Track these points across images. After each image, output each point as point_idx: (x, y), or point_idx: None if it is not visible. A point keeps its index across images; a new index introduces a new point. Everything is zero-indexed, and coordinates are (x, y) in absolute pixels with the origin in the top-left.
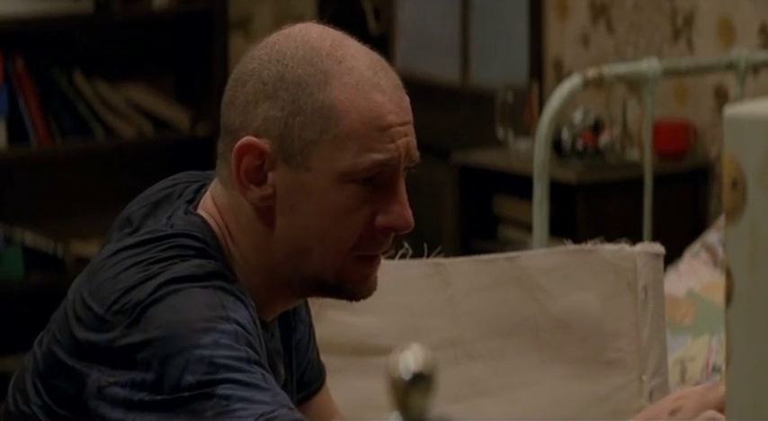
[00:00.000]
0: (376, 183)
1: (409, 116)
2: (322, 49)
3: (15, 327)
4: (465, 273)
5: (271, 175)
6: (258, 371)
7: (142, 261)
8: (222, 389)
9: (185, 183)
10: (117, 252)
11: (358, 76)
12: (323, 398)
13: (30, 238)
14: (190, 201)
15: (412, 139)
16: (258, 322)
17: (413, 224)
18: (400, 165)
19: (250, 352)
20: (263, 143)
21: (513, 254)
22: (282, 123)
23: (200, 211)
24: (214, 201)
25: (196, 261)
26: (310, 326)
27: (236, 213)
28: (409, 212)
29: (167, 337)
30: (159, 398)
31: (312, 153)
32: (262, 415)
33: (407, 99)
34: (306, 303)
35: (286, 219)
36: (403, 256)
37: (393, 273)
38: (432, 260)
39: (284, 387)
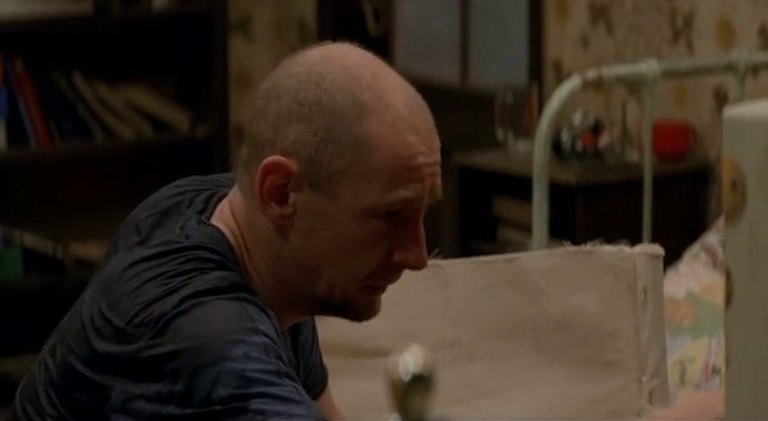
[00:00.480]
0: (397, 219)
1: (438, 157)
2: (362, 80)
3: (15, 329)
4: (464, 274)
5: (293, 196)
6: (289, 383)
7: (161, 274)
8: (256, 404)
9: (193, 190)
10: (133, 264)
11: (395, 114)
12: (325, 400)
13: (29, 240)
14: (201, 211)
15: (438, 179)
16: (280, 333)
17: (427, 264)
18: (424, 203)
19: (280, 364)
20: (292, 164)
21: (512, 255)
22: (314, 148)
23: (216, 222)
24: (232, 212)
25: (218, 273)
26: (314, 329)
27: (253, 226)
28: (425, 253)
29: (197, 349)
30: (189, 411)
31: (340, 183)
32: None
33: (438, 141)
34: None
35: (301, 240)
36: None
37: None
38: (430, 261)
39: None
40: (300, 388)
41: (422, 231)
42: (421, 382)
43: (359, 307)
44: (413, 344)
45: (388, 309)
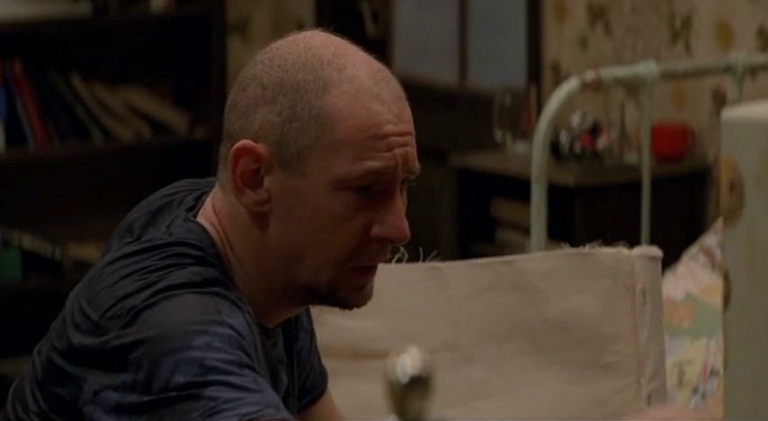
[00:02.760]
0: (372, 193)
1: (409, 127)
2: (324, 57)
3: (13, 330)
4: (462, 276)
5: (267, 180)
6: (250, 374)
7: (140, 269)
8: (211, 391)
9: (185, 190)
10: (115, 260)
11: (358, 84)
12: (325, 402)
13: (28, 241)
14: (190, 209)
15: (411, 150)
16: (256, 329)
17: (408, 236)
18: (397, 175)
19: (242, 356)
20: (260, 147)
21: (510, 257)
22: (280, 129)
23: (200, 219)
24: (214, 208)
25: (194, 268)
26: (312, 333)
27: (234, 219)
28: (405, 224)
29: (159, 338)
30: (147, 399)
31: (307, 159)
32: (246, 414)
33: (409, 111)
34: (307, 310)
35: (281, 225)
36: (399, 260)
37: (390, 276)
38: (429, 264)
39: (287, 395)
40: (262, 379)
41: (400, 204)
42: (419, 384)
43: (348, 291)
44: (411, 346)
45: (386, 310)
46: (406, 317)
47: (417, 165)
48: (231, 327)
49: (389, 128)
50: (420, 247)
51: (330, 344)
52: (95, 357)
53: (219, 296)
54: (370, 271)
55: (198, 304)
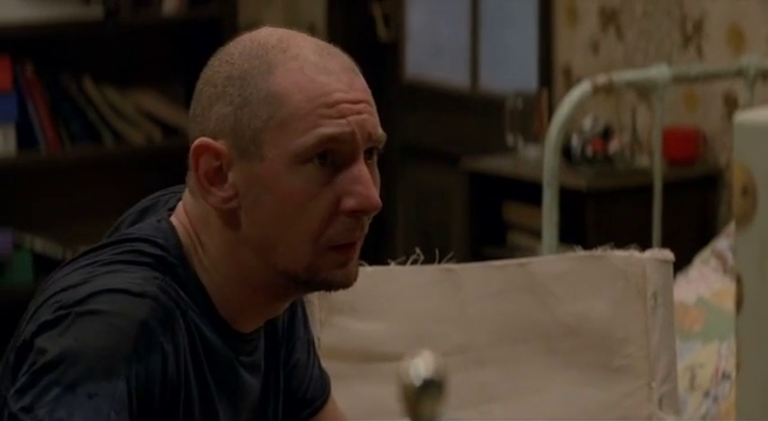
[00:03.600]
0: (336, 165)
1: (364, 96)
2: (268, 43)
3: None
4: (476, 278)
5: (230, 175)
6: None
7: (94, 262)
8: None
9: (172, 192)
10: (81, 255)
11: (303, 60)
12: (328, 411)
13: (39, 244)
14: (172, 209)
15: (369, 118)
16: (185, 355)
17: (379, 204)
18: (357, 142)
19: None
20: (218, 143)
21: (524, 260)
22: (232, 118)
23: (173, 219)
24: (186, 211)
25: (143, 273)
26: (310, 343)
27: (205, 222)
28: (374, 192)
29: (54, 363)
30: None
31: (263, 141)
32: None
33: (361, 81)
34: (305, 320)
35: (249, 216)
36: (414, 262)
37: (404, 279)
38: (443, 266)
39: (261, 403)
40: None
41: (367, 173)
42: (432, 387)
43: (328, 272)
44: (424, 349)
45: (398, 313)
46: (418, 319)
47: (380, 132)
48: (129, 380)
49: (339, 95)
50: (435, 249)
51: (339, 347)
52: (22, 347)
53: (145, 326)
54: (349, 248)
55: (114, 339)
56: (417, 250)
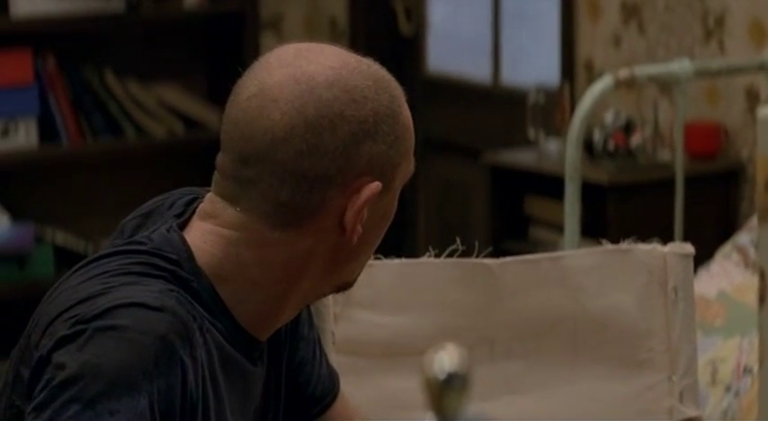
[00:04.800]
0: None
1: None
2: (383, 76)
3: None
4: (510, 272)
5: (366, 210)
6: None
7: (106, 272)
8: None
9: (178, 195)
10: (90, 262)
11: (400, 88)
12: (339, 407)
13: (60, 238)
14: (179, 215)
15: None
16: (203, 368)
17: None
18: None
19: None
20: (376, 184)
21: (556, 254)
22: (386, 157)
23: (190, 230)
24: (220, 224)
25: (159, 286)
26: (315, 342)
27: (264, 253)
28: None
29: (73, 379)
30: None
31: (397, 174)
32: None
33: None
34: (310, 318)
35: (358, 243)
36: (437, 256)
37: (433, 272)
38: (475, 260)
39: (263, 409)
40: None
41: None
42: (456, 381)
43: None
44: (449, 342)
45: (425, 306)
46: (445, 313)
47: None
48: (151, 396)
49: None
50: (465, 245)
51: (359, 341)
52: (34, 362)
53: (163, 341)
54: None
55: (134, 357)
56: (457, 240)
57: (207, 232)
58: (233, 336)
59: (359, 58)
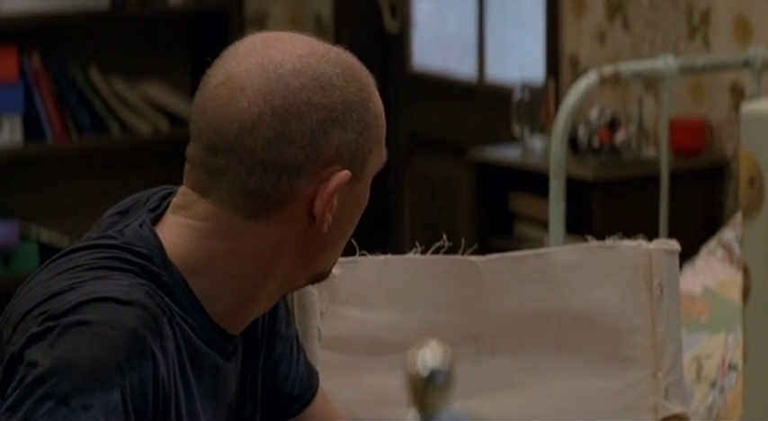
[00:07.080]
0: None
1: None
2: (352, 64)
3: None
4: (495, 269)
5: (335, 199)
6: None
7: (76, 266)
8: None
9: (152, 193)
10: (61, 255)
11: (370, 77)
12: (318, 405)
13: (45, 235)
14: (153, 209)
15: None
16: (173, 361)
17: None
18: None
19: None
20: (345, 172)
21: (541, 250)
22: (354, 145)
23: (162, 225)
24: (192, 216)
25: (129, 280)
26: (293, 339)
27: (233, 234)
28: None
29: (46, 376)
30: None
31: (368, 162)
32: None
33: None
34: (287, 316)
35: (328, 231)
36: (423, 253)
37: (418, 269)
38: (460, 257)
39: (239, 405)
40: None
41: None
42: (439, 378)
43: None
44: (432, 339)
45: (410, 302)
46: (431, 309)
47: None
48: (124, 390)
49: None
50: (450, 241)
51: (345, 338)
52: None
53: (134, 335)
54: None
55: (106, 351)
56: (444, 237)
57: (179, 225)
58: (204, 331)
59: (328, 46)
